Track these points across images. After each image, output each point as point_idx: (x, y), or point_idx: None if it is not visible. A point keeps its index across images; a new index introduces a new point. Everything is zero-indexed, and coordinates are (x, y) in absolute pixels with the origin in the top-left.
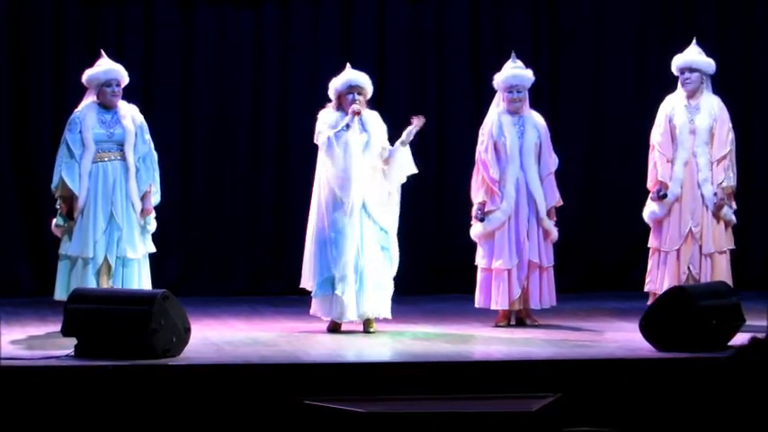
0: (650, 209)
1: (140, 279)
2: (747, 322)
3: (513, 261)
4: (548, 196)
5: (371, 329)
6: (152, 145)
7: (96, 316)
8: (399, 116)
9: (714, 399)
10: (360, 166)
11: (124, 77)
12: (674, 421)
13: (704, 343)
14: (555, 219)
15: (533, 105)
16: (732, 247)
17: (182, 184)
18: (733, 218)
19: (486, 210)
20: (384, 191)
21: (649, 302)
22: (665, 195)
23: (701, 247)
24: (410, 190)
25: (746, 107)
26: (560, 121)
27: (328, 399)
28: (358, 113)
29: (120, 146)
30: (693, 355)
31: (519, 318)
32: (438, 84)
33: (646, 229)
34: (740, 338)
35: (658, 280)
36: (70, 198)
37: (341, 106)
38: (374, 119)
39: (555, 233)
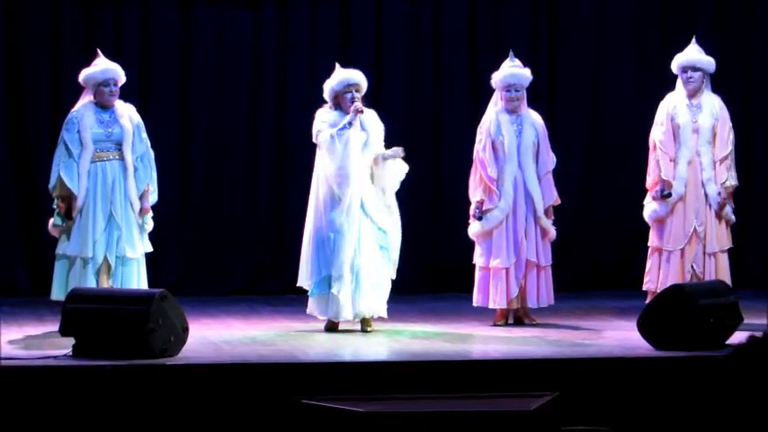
0: (652, 208)
1: (139, 278)
2: (746, 321)
3: (510, 260)
4: (545, 195)
5: (369, 329)
6: (149, 144)
7: (94, 316)
8: (397, 115)
9: (712, 397)
10: (359, 165)
11: (121, 77)
12: (673, 420)
13: (702, 342)
14: (553, 218)
15: (531, 104)
16: (731, 245)
17: (180, 183)
18: (733, 217)
19: (483, 208)
20: (379, 190)
21: (648, 301)
22: (669, 194)
23: (704, 246)
24: (408, 189)
25: (746, 107)
26: (558, 120)
27: (326, 398)
28: (361, 111)
29: (119, 145)
30: (691, 354)
31: (517, 317)
32: (436, 83)
33: (644, 228)
34: (738, 337)
35: (658, 279)
36: (68, 198)
37: (339, 106)
38: (372, 118)
39: (553, 232)
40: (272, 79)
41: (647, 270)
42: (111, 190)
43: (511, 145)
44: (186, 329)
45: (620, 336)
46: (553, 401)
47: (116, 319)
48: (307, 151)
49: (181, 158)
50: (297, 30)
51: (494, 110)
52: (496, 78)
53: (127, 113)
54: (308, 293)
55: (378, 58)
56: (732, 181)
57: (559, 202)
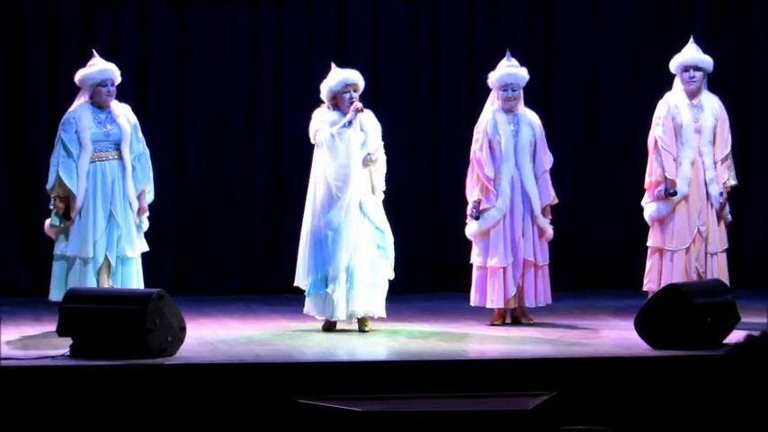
0: (653, 207)
1: (138, 278)
2: (743, 320)
3: (508, 259)
4: (542, 194)
5: (366, 328)
6: (145, 143)
7: (92, 316)
8: (394, 115)
9: (709, 397)
10: (358, 164)
11: (118, 77)
12: (670, 419)
13: (699, 341)
14: (550, 217)
15: (528, 104)
16: (727, 245)
17: (177, 183)
18: (730, 216)
19: (481, 208)
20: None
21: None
22: (674, 193)
23: (706, 246)
24: (405, 189)
25: (745, 107)
26: (555, 119)
27: (323, 398)
28: (361, 110)
29: (117, 145)
30: (688, 353)
31: (514, 316)
32: (433, 82)
33: (641, 228)
34: (736, 336)
35: (659, 279)
36: (67, 198)
37: (337, 106)
38: (369, 118)
39: (550, 231)
40: (268, 79)
41: (647, 270)
42: (111, 190)
43: (508, 144)
44: (183, 329)
45: (617, 335)
46: (551, 401)
47: (113, 319)
48: (304, 151)
49: (178, 158)
50: (293, 30)
51: (491, 109)
52: (493, 78)
53: (123, 113)
54: (305, 293)
55: (375, 57)
56: (732, 181)
57: (557, 201)
